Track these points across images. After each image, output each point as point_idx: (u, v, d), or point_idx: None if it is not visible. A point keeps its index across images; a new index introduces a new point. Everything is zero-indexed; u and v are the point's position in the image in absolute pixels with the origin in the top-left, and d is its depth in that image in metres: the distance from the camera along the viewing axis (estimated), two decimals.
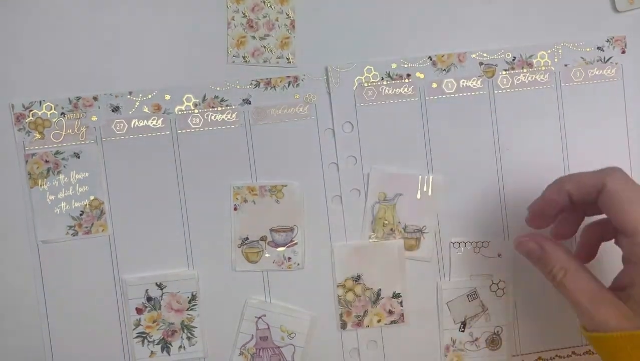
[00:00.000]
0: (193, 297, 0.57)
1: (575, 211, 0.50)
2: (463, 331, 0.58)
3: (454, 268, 0.58)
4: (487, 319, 0.58)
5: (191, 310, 0.57)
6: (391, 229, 0.57)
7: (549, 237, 0.49)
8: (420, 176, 0.57)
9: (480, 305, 0.58)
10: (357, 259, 0.58)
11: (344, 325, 0.58)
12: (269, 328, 0.57)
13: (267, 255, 0.57)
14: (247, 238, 0.57)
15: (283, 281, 0.57)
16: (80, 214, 0.56)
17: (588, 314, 0.44)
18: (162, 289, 0.57)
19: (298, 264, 0.57)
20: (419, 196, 0.57)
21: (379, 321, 0.58)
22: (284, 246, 0.57)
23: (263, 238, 0.57)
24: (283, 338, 0.57)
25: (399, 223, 0.57)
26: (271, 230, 0.57)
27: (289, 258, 0.57)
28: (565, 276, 0.46)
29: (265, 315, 0.57)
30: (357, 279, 0.58)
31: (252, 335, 0.57)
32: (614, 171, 0.45)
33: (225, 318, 0.57)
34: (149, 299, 0.57)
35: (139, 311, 0.57)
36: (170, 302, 0.57)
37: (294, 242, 0.57)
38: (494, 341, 0.59)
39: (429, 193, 0.57)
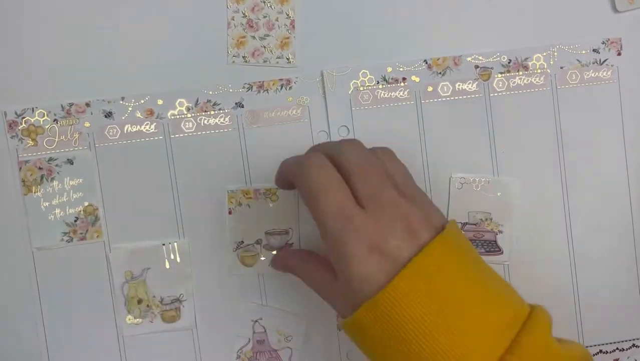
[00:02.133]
0: None
1: None
2: None
3: None
4: None
5: None
6: (147, 306, 0.56)
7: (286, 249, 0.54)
8: (164, 246, 0.56)
9: None
10: None
11: (339, 327, 0.58)
12: (265, 331, 0.58)
13: (262, 258, 0.57)
14: (242, 242, 0.57)
15: (279, 284, 0.58)
16: (75, 221, 0.56)
17: (333, 306, 0.46)
18: None
19: None
20: (167, 265, 0.57)
21: None
22: (279, 248, 0.57)
23: (258, 242, 0.57)
24: (280, 340, 0.58)
25: (154, 297, 0.56)
26: (266, 233, 0.57)
27: None
28: (308, 279, 0.48)
29: (261, 318, 0.57)
30: None
31: (249, 339, 0.58)
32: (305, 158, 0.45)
33: (221, 322, 0.58)
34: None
35: None
36: None
37: (289, 244, 0.57)
38: None
39: (178, 260, 0.57)
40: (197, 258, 0.57)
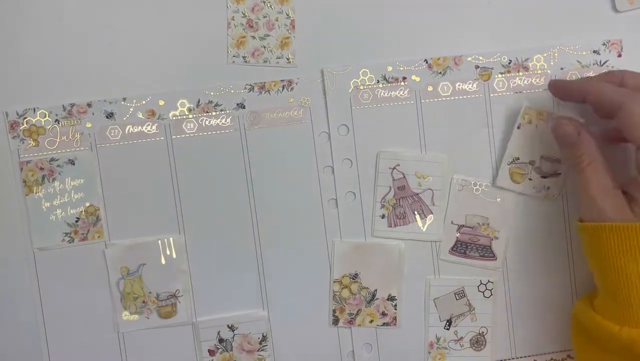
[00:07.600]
0: (264, 338, 0.58)
1: None
2: (448, 329, 0.59)
3: None
4: (473, 319, 0.59)
5: (262, 350, 0.58)
6: (143, 302, 0.57)
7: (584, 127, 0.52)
8: (160, 241, 0.56)
9: (467, 304, 0.58)
10: (356, 257, 0.58)
11: (335, 321, 0.58)
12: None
13: (529, 180, 0.57)
14: (518, 158, 0.57)
15: (283, 289, 0.58)
16: (76, 221, 0.56)
17: (593, 203, 0.49)
18: (233, 331, 0.58)
19: None
20: (163, 261, 0.57)
21: (371, 321, 0.58)
22: (549, 175, 0.57)
23: (532, 162, 0.57)
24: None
25: (150, 293, 0.57)
26: (542, 157, 0.57)
27: None
28: (589, 165, 0.50)
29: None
30: (354, 277, 0.58)
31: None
32: (634, 94, 0.48)
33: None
34: (220, 340, 0.58)
35: (211, 353, 0.58)
36: (242, 343, 0.58)
37: (557, 173, 0.58)
38: (478, 342, 0.59)
39: (174, 256, 0.57)
40: (193, 254, 0.57)
